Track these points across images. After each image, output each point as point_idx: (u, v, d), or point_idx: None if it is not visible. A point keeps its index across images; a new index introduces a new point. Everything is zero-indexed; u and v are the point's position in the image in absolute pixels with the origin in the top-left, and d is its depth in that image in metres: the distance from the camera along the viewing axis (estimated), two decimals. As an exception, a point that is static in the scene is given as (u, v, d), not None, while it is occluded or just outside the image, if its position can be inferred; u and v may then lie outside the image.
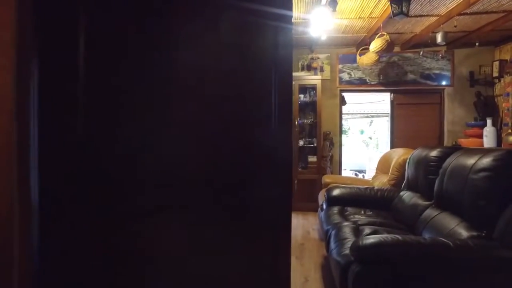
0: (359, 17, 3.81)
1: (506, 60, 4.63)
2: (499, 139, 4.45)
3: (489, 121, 4.51)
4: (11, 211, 0.54)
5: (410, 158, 2.96)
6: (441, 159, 2.37)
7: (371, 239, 1.63)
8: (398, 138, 5.24)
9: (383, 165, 4.18)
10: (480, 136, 4.58)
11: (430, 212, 2.28)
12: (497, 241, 1.63)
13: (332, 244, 2.18)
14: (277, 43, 0.93)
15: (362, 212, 2.88)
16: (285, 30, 0.94)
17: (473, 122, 4.84)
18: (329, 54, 5.20)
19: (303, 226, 4.09)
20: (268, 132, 0.93)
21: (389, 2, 2.92)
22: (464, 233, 1.80)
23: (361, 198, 3.11)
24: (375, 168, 4.52)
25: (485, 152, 1.90)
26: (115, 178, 0.70)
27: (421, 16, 3.76)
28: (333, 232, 2.35)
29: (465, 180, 1.90)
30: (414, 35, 4.48)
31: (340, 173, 5.35)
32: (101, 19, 0.68)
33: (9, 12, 0.52)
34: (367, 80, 5.16)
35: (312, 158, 4.88)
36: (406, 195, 2.83)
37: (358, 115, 10.17)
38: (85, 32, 0.64)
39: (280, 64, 0.94)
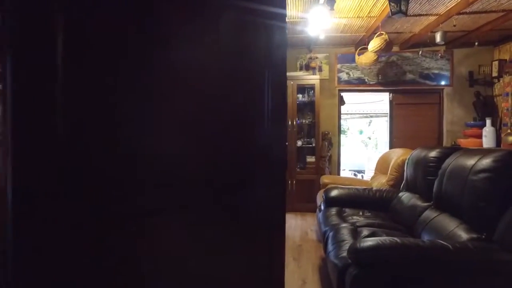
0: (357, 16, 3.78)
1: (506, 60, 4.60)
2: (498, 139, 4.42)
3: (488, 121, 4.49)
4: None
5: (409, 158, 2.93)
6: (440, 159, 2.34)
7: (369, 241, 1.60)
8: (397, 138, 5.21)
9: (382, 165, 4.15)
10: (480, 136, 4.55)
11: (429, 214, 2.25)
12: (497, 244, 1.60)
13: (330, 246, 2.15)
14: (271, 42, 0.91)
15: (361, 213, 2.85)
16: (279, 29, 0.92)
17: (472, 122, 4.82)
18: (327, 54, 5.17)
19: (301, 227, 4.06)
20: (261, 132, 0.91)
21: (387, 1, 2.89)
22: (463, 235, 1.77)
23: (359, 199, 3.08)
24: (373, 169, 4.49)
25: (485, 152, 1.87)
26: (112, 179, 0.69)
27: (420, 15, 3.73)
28: (331, 234, 2.32)
29: (464, 181, 1.87)
30: (413, 35, 4.45)
31: (338, 173, 5.32)
32: (81, 16, 0.65)
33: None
34: (366, 80, 5.14)
35: (310, 159, 4.84)
36: (405, 196, 2.80)
37: (357, 115, 10.16)
38: (64, 30, 0.61)
39: (274, 63, 0.92)
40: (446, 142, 5.00)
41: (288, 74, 4.85)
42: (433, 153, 2.46)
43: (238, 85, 0.88)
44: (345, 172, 8.06)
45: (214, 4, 0.85)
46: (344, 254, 1.80)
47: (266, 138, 0.91)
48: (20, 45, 0.57)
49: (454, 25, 3.72)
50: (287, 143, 4.80)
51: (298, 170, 4.83)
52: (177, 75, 0.78)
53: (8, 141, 0.58)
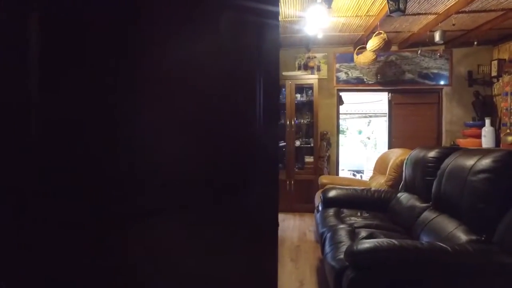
0: (356, 15, 3.75)
1: (505, 59, 4.58)
2: (497, 139, 4.40)
3: (487, 121, 4.47)
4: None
5: (407, 158, 2.90)
6: (439, 160, 2.31)
7: (366, 243, 1.57)
8: (396, 138, 5.19)
9: (380, 165, 4.12)
10: (479, 136, 4.53)
11: (428, 215, 2.22)
12: (497, 246, 1.57)
13: (327, 248, 2.12)
14: (263, 40, 0.89)
15: (359, 214, 2.82)
16: (271, 27, 0.90)
17: (471, 122, 4.80)
18: (326, 53, 5.14)
19: (300, 228, 4.03)
20: (252, 132, 0.88)
21: (386, -1, 2.86)
22: (463, 237, 1.74)
23: (357, 200, 3.05)
24: (372, 169, 4.46)
25: (485, 153, 1.84)
26: (112, 179, 0.69)
27: (418, 14, 3.70)
28: (328, 235, 2.29)
29: (464, 181, 1.84)
30: (412, 34, 4.42)
31: (337, 173, 5.29)
32: (58, 14, 0.63)
33: None
34: (365, 80, 5.11)
35: (309, 159, 4.81)
36: (403, 196, 2.77)
37: (356, 115, 10.13)
38: (40, 29, 0.59)
39: (267, 62, 0.90)
40: (445, 142, 4.98)
41: (286, 73, 4.83)
42: (432, 153, 2.43)
43: (229, 84, 0.86)
44: (344, 172, 8.03)
45: (205, 2, 0.83)
46: (342, 256, 1.76)
47: (258, 138, 0.88)
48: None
49: (453, 24, 3.70)
50: (284, 143, 4.78)
51: (296, 170, 4.80)
52: (170, 74, 0.77)
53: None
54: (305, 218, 4.44)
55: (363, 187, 3.30)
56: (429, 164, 2.40)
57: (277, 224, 0.96)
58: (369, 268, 1.56)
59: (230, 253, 0.85)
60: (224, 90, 0.85)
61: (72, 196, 0.64)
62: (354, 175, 8.10)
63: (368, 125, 10.60)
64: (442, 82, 5.00)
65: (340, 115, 5.48)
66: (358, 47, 4.55)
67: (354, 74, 5.12)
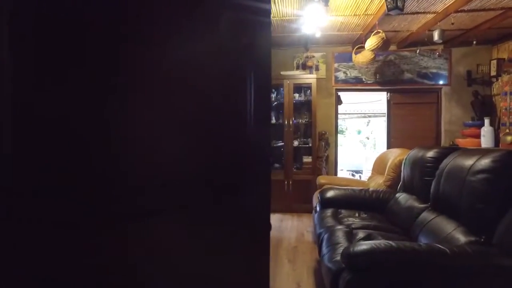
0: (354, 14, 3.72)
1: (504, 58, 4.55)
2: (496, 139, 4.37)
3: (486, 121, 4.44)
4: None
5: (406, 158, 2.87)
6: (438, 160, 2.28)
7: (363, 245, 1.54)
8: (394, 138, 5.16)
9: (379, 165, 4.09)
10: (478, 136, 4.50)
11: (426, 216, 2.19)
12: (497, 248, 1.54)
13: (324, 249, 2.09)
14: (254, 39, 0.86)
15: (357, 214, 2.79)
16: (262, 24, 0.87)
17: (470, 121, 4.77)
18: (324, 53, 5.11)
19: (298, 228, 4.00)
20: (243, 132, 0.85)
21: (384, -2, 2.83)
22: (461, 238, 1.71)
23: (355, 200, 3.02)
24: (371, 169, 4.43)
25: (484, 152, 1.81)
26: (111, 179, 0.70)
27: (417, 13, 3.67)
28: (325, 236, 2.25)
29: (462, 182, 1.81)
30: (411, 33, 4.39)
31: (336, 173, 5.25)
32: (53, 13, 0.63)
33: None
34: (363, 79, 5.08)
35: (307, 159, 4.78)
36: (401, 197, 2.74)
37: (355, 115, 10.10)
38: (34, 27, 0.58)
39: (258, 61, 0.87)
40: (444, 142, 4.95)
41: (284, 73, 4.80)
42: (430, 153, 2.40)
43: (219, 83, 0.83)
44: (343, 172, 8.00)
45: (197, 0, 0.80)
46: (338, 257, 1.73)
47: (248, 138, 0.86)
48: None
49: (452, 23, 3.67)
50: (282, 143, 4.74)
51: (294, 170, 4.77)
52: (164, 73, 0.76)
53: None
54: (303, 218, 4.41)
55: (361, 188, 3.27)
56: (428, 164, 2.37)
57: (269, 226, 0.93)
58: (366, 271, 1.53)
59: (220, 255, 0.83)
60: (213, 88, 0.82)
61: (73, 196, 0.64)
62: (353, 175, 8.07)
63: (368, 125, 10.57)
64: (441, 82, 4.98)
65: (339, 115, 5.45)
66: (357, 47, 4.52)
67: (353, 73, 5.09)
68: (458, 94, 4.93)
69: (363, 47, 4.22)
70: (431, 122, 5.08)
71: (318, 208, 3.11)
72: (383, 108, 5.76)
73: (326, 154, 5.00)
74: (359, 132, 10.74)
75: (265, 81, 0.89)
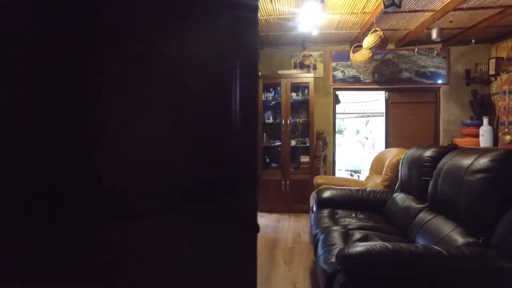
0: (351, 12, 3.68)
1: (503, 57, 4.52)
2: (495, 139, 4.34)
3: (485, 120, 4.40)
4: None
5: (403, 158, 2.83)
6: (436, 159, 2.24)
7: (358, 247, 1.50)
8: (393, 137, 5.12)
9: (376, 165, 4.06)
10: (477, 135, 4.47)
11: (424, 216, 2.15)
12: (496, 249, 1.50)
13: (320, 250, 2.05)
14: (240, 35, 0.83)
15: (353, 215, 2.75)
16: (248, 20, 0.84)
17: (469, 121, 4.73)
18: (322, 52, 5.07)
19: (294, 229, 3.96)
20: (228, 132, 0.81)
21: (381, -5, 2.79)
22: (459, 239, 1.67)
23: (352, 200, 2.98)
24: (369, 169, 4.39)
25: (482, 152, 1.77)
26: (105, 180, 0.70)
27: (415, 11, 3.63)
28: (321, 237, 2.21)
29: (460, 182, 1.77)
30: (409, 32, 4.36)
31: (334, 173, 5.22)
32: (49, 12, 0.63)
33: None
34: (361, 78, 5.04)
35: (304, 159, 4.74)
36: (399, 197, 2.70)
37: (354, 115, 10.07)
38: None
39: (244, 58, 0.83)
40: (442, 141, 4.92)
41: (281, 72, 4.76)
42: (428, 153, 2.36)
43: (203, 82, 0.80)
44: (342, 172, 7.96)
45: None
46: (334, 259, 1.69)
47: (234, 139, 0.82)
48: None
49: (451, 21, 3.63)
50: (280, 143, 4.70)
51: (292, 170, 4.73)
52: (150, 73, 0.74)
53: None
54: (301, 219, 4.37)
55: (358, 188, 3.23)
56: (425, 164, 2.33)
57: (257, 228, 0.89)
58: (361, 273, 1.49)
59: (206, 258, 0.81)
60: (197, 88, 0.79)
61: (66, 198, 0.64)
62: (351, 175, 8.03)
63: (366, 125, 10.54)
64: (439, 81, 4.94)
65: (338, 115, 5.41)
66: (354, 45, 4.48)
67: (351, 72, 5.05)
68: (457, 93, 4.90)
69: (361, 46, 4.18)
70: (430, 121, 5.05)
71: (314, 209, 3.07)
72: (382, 107, 5.73)
73: (324, 153, 4.96)
74: (357, 132, 10.71)
75: (251, 79, 0.85)
